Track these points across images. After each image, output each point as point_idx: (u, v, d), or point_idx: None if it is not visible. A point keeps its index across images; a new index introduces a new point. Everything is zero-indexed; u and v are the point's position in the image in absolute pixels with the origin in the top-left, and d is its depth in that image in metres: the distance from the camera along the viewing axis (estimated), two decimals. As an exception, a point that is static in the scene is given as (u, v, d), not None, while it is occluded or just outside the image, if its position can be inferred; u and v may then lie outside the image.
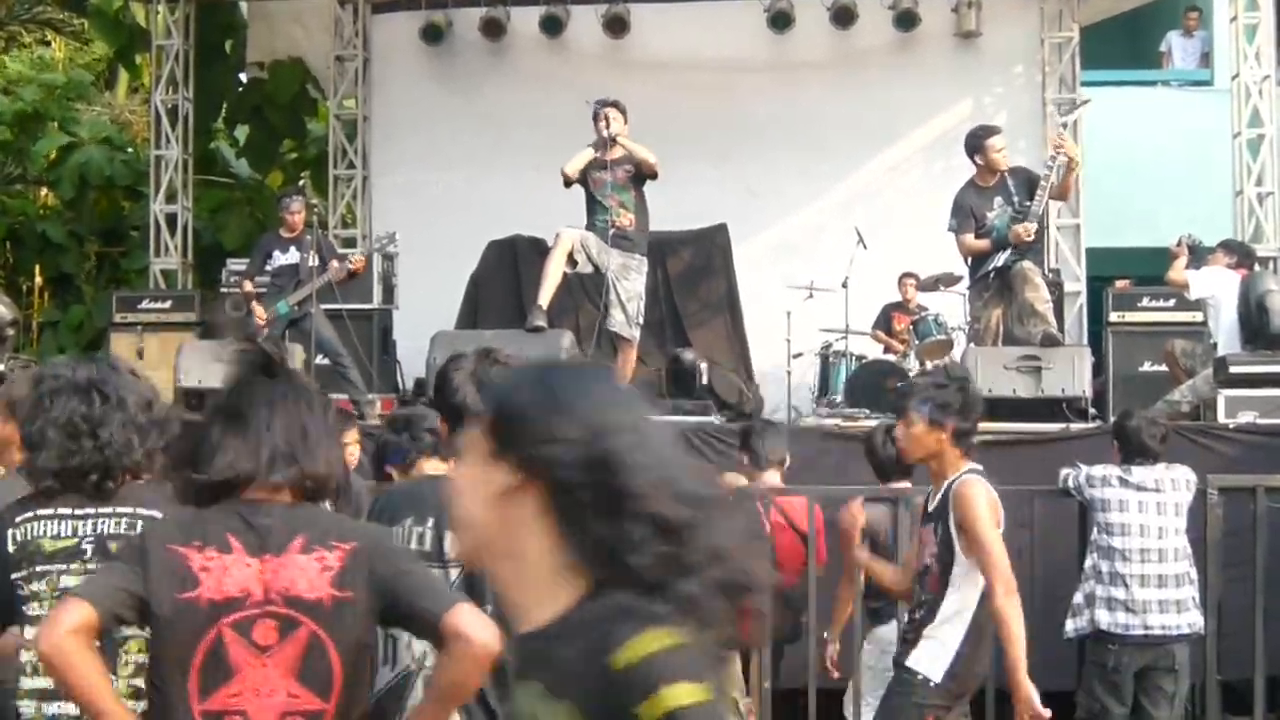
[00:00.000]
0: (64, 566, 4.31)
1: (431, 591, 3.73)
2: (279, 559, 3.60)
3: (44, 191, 21.89)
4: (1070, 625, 8.12)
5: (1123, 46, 21.62)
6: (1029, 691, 5.98)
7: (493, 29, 16.90)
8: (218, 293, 15.59)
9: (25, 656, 4.34)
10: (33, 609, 4.30)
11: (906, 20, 16.41)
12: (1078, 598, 8.10)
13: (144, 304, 15.63)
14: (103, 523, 4.36)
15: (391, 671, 4.49)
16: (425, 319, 13.55)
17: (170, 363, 12.31)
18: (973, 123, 14.33)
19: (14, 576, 4.33)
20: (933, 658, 6.15)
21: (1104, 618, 7.94)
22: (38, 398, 4.44)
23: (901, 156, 16.80)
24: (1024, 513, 8.52)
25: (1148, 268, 13.50)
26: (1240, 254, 12.72)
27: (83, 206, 20.44)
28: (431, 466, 5.49)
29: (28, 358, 12.79)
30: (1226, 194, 15.77)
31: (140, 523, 4.31)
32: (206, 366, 11.77)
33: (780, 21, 16.49)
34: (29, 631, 4.27)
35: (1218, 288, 12.02)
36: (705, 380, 13.15)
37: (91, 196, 20.34)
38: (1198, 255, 12.49)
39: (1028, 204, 11.78)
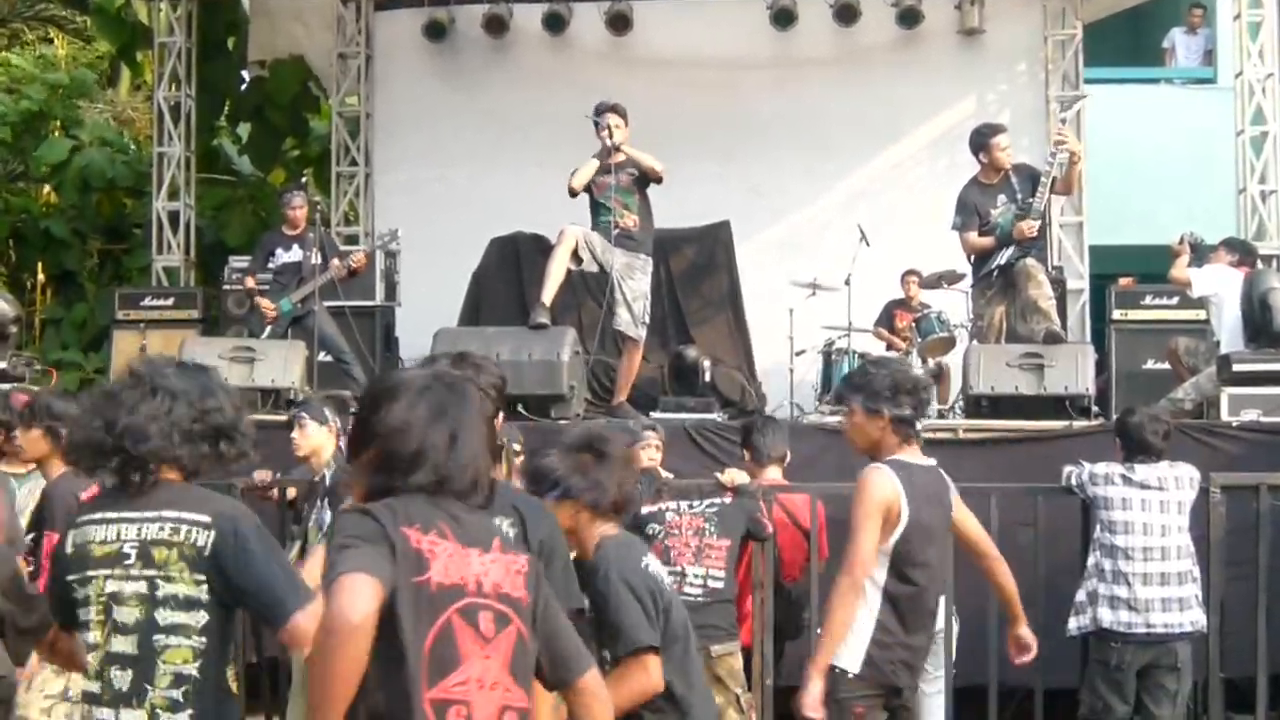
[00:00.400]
0: (108, 571, 4.29)
1: (574, 643, 3.79)
2: (487, 554, 3.61)
3: (46, 189, 21.90)
4: (1073, 623, 8.11)
5: (1125, 44, 21.61)
6: (816, 690, 5.86)
7: (495, 26, 16.91)
8: (220, 290, 15.60)
9: (89, 637, 4.33)
10: (84, 614, 4.32)
11: (909, 17, 16.41)
12: (1080, 596, 8.09)
13: (146, 301, 15.67)
14: (146, 527, 4.31)
15: None
16: (428, 316, 13.52)
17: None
18: (976, 120, 14.34)
19: (69, 579, 4.35)
20: (848, 649, 6.11)
21: (1107, 616, 7.93)
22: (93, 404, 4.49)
23: (905, 154, 16.80)
24: (1027, 511, 8.53)
25: (1151, 265, 13.50)
26: (1242, 252, 12.71)
27: (85, 207, 20.45)
28: None
29: (30, 355, 12.79)
30: (1229, 192, 15.75)
31: (185, 528, 4.27)
32: (209, 362, 11.72)
33: (783, 19, 16.49)
34: (83, 636, 4.32)
35: (1220, 286, 12.00)
36: (708, 378, 13.13)
37: (94, 199, 20.34)
38: (1199, 253, 12.47)
39: (1030, 201, 11.78)
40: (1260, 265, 12.85)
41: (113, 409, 4.36)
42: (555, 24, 16.81)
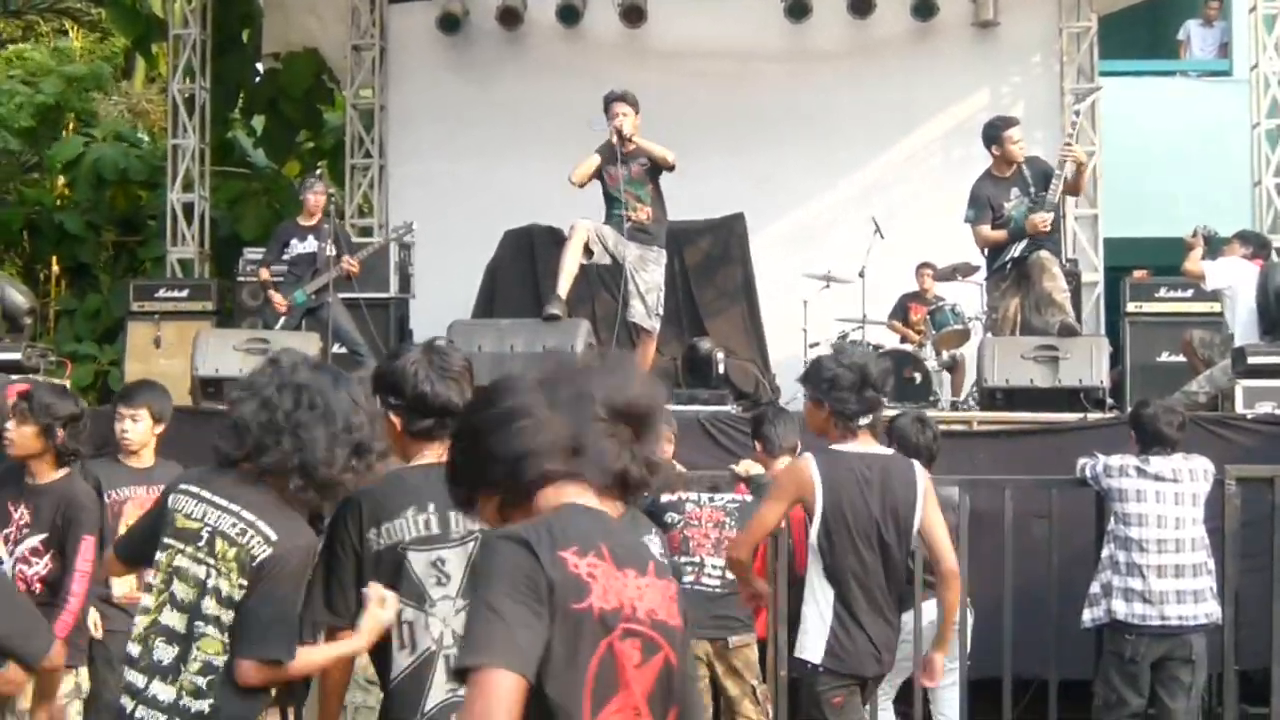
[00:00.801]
0: (182, 546, 4.57)
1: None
2: (643, 578, 3.28)
3: (61, 181, 21.93)
4: (1087, 615, 8.11)
5: (1141, 36, 21.56)
6: None
7: (510, 18, 16.91)
8: (235, 282, 15.62)
9: (145, 600, 4.61)
10: (148, 576, 4.65)
11: (924, 9, 16.38)
12: (1095, 588, 8.09)
13: (161, 293, 15.68)
14: (223, 518, 4.56)
15: (411, 655, 4.50)
16: (442, 308, 13.54)
17: (187, 351, 12.31)
18: (990, 112, 14.33)
19: (163, 537, 4.61)
20: (810, 642, 6.14)
21: (1121, 608, 7.94)
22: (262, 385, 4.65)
23: (918, 146, 16.77)
24: (1041, 503, 8.53)
25: (1165, 258, 13.48)
26: (1256, 244, 12.69)
27: (99, 204, 20.49)
28: None
29: (44, 346, 12.81)
30: (1245, 184, 15.72)
31: (250, 534, 4.54)
32: (223, 355, 11.79)
33: (797, 11, 16.46)
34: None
35: (1234, 278, 11.99)
36: (721, 370, 13.14)
37: (108, 194, 20.38)
38: (1213, 246, 12.46)
39: (1043, 194, 11.77)
40: (1275, 257, 12.83)
41: (274, 413, 4.56)
42: (569, 16, 16.80)
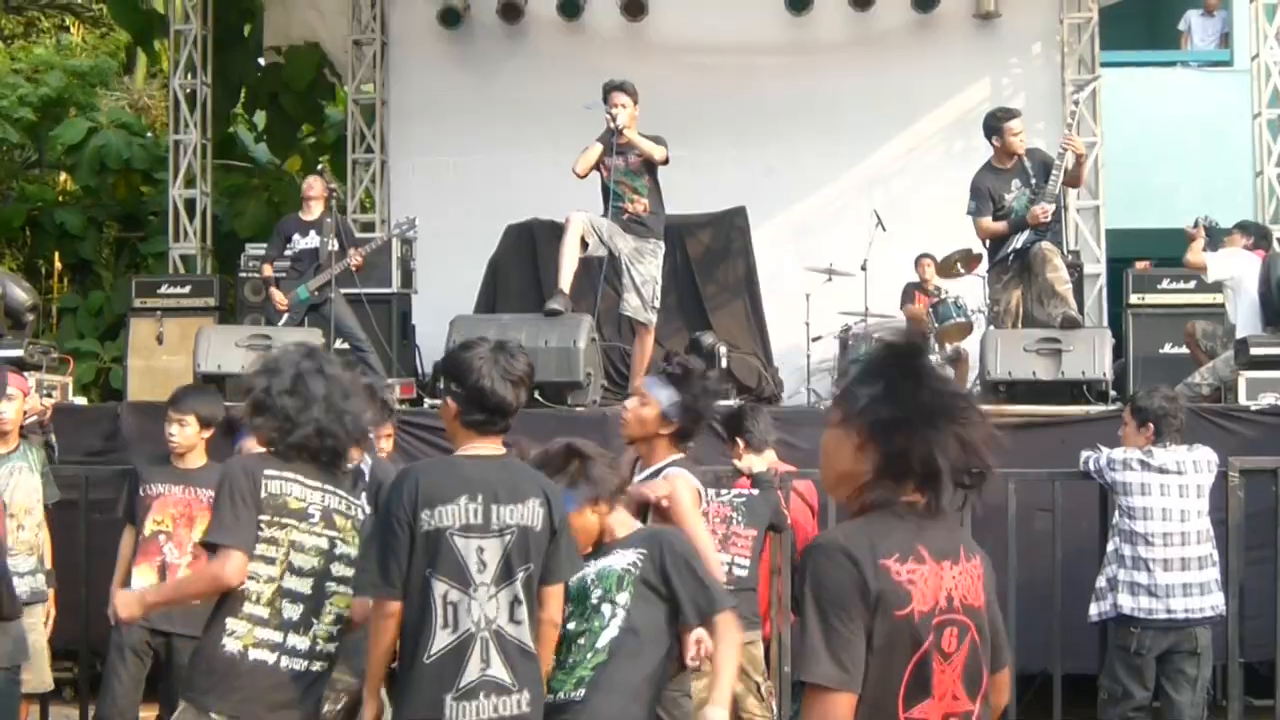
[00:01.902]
0: (296, 523, 5.22)
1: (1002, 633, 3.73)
2: (956, 566, 3.49)
3: (63, 177, 21.93)
4: (1093, 609, 8.11)
5: (1142, 26, 21.55)
6: None
7: (510, 12, 16.90)
8: (237, 278, 15.62)
9: (250, 586, 5.15)
10: (263, 549, 5.15)
11: (925, 1, 16.37)
12: (1100, 581, 8.09)
13: (163, 289, 15.68)
14: (329, 497, 5.31)
15: (453, 634, 4.88)
16: (444, 303, 13.55)
17: (189, 347, 12.30)
18: (991, 104, 14.32)
19: (260, 519, 5.16)
20: None
21: (1126, 601, 7.93)
22: (296, 375, 5.30)
23: (920, 138, 16.76)
24: (1045, 496, 8.54)
25: (1167, 249, 13.48)
26: (1257, 235, 12.70)
27: (102, 191, 20.48)
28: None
29: (47, 343, 12.81)
30: (1246, 174, 15.74)
31: (356, 507, 5.41)
32: (226, 351, 11.78)
33: (798, 3, 16.46)
34: (255, 566, 5.14)
35: (1236, 269, 11.99)
36: (724, 364, 13.14)
37: (110, 181, 20.37)
38: (1214, 237, 12.46)
39: (1044, 185, 11.76)
40: (1276, 248, 12.83)
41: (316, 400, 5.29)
42: (570, 9, 16.79)
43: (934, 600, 3.40)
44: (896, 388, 3.47)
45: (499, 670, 4.89)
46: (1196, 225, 12.32)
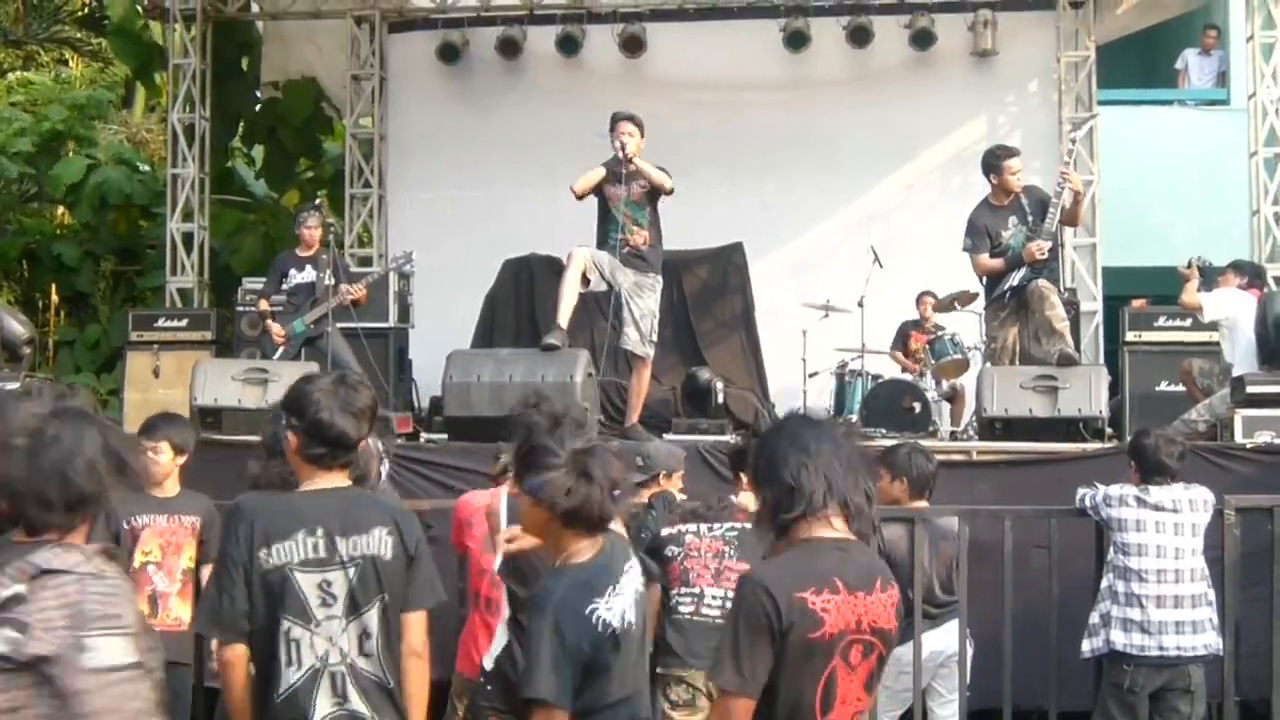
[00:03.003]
0: None
1: None
2: (870, 596, 4.26)
3: (60, 210, 21.94)
4: (1086, 645, 8.09)
5: (1139, 65, 21.60)
6: None
7: (509, 48, 16.96)
8: (234, 311, 15.62)
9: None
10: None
11: (923, 39, 16.44)
12: (1094, 618, 8.07)
13: (160, 322, 15.69)
14: None
15: (298, 671, 4.82)
16: (441, 337, 13.56)
17: (186, 381, 12.29)
18: (988, 141, 14.38)
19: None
20: None
21: (1120, 638, 7.92)
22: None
23: (917, 175, 16.81)
24: (1041, 533, 8.51)
25: (1164, 287, 13.48)
26: (1251, 274, 12.71)
27: (102, 228, 20.50)
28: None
29: (44, 376, 12.79)
30: (1243, 213, 15.77)
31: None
32: (222, 385, 11.77)
33: (796, 40, 16.52)
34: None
35: (1232, 309, 12.00)
36: (720, 399, 13.14)
37: (110, 218, 20.39)
38: (1208, 276, 12.47)
39: (1041, 223, 11.77)
40: (1272, 286, 12.84)
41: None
42: (569, 46, 16.86)
43: (845, 624, 4.18)
44: (766, 438, 4.45)
45: (357, 704, 4.81)
46: (1190, 265, 12.32)
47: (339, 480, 5.02)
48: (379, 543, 4.91)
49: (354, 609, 4.84)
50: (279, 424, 5.25)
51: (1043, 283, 11.73)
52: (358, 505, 5.01)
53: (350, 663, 4.82)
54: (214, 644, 5.14)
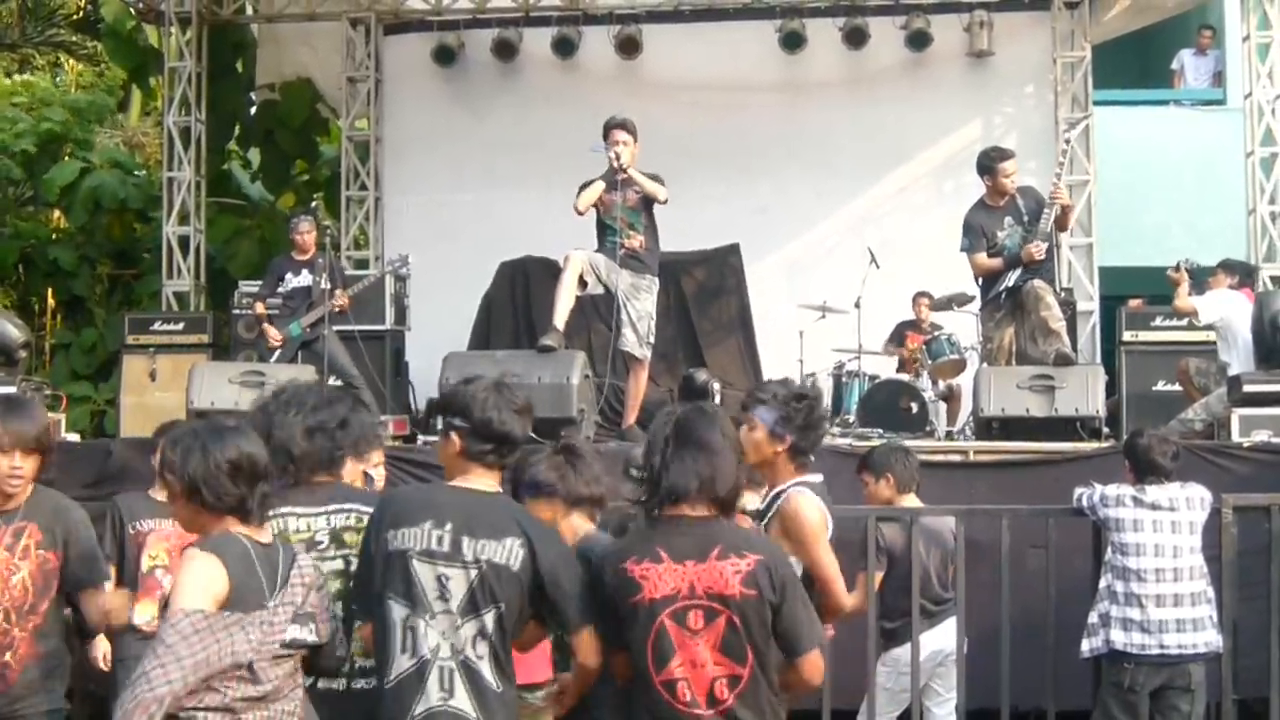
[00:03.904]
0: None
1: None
2: (700, 564, 4.84)
3: (56, 214, 21.93)
4: (1085, 645, 8.08)
5: (1135, 65, 21.61)
6: None
7: (505, 50, 16.96)
8: (230, 314, 15.61)
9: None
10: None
11: (918, 40, 16.44)
12: (1093, 617, 8.06)
13: (156, 326, 15.70)
14: (333, 518, 5.31)
15: (411, 659, 4.86)
16: (437, 340, 13.56)
17: (182, 384, 12.29)
18: (984, 142, 14.39)
19: None
20: None
21: (1119, 637, 7.91)
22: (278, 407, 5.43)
23: (913, 176, 16.81)
24: (1038, 533, 8.50)
25: (1161, 286, 13.47)
26: (1242, 273, 12.70)
27: (95, 231, 20.48)
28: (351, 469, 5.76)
29: (40, 380, 12.78)
30: (1239, 213, 15.75)
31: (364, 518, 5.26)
32: (219, 388, 11.77)
33: (792, 42, 16.52)
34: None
35: (1227, 311, 12.01)
36: (718, 400, 13.13)
37: (104, 222, 20.37)
38: (1197, 278, 12.47)
39: (1036, 224, 11.78)
40: (1265, 285, 12.83)
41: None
42: (564, 48, 16.85)
43: (672, 589, 4.81)
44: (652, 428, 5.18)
45: (463, 702, 4.83)
46: (1178, 268, 12.31)
47: (491, 482, 5.10)
48: (508, 552, 4.91)
49: (473, 609, 4.87)
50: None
51: (1038, 283, 11.74)
52: (500, 511, 5.05)
53: (464, 660, 4.86)
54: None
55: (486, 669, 4.88)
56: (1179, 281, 12.23)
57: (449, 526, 4.90)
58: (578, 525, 5.68)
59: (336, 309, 12.82)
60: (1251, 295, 12.31)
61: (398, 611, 4.85)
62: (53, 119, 21.55)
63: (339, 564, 5.25)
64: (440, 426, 5.13)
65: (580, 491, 5.75)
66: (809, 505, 5.75)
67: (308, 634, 4.76)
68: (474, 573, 4.87)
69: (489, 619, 4.87)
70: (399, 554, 4.86)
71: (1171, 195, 18.93)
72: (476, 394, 5.07)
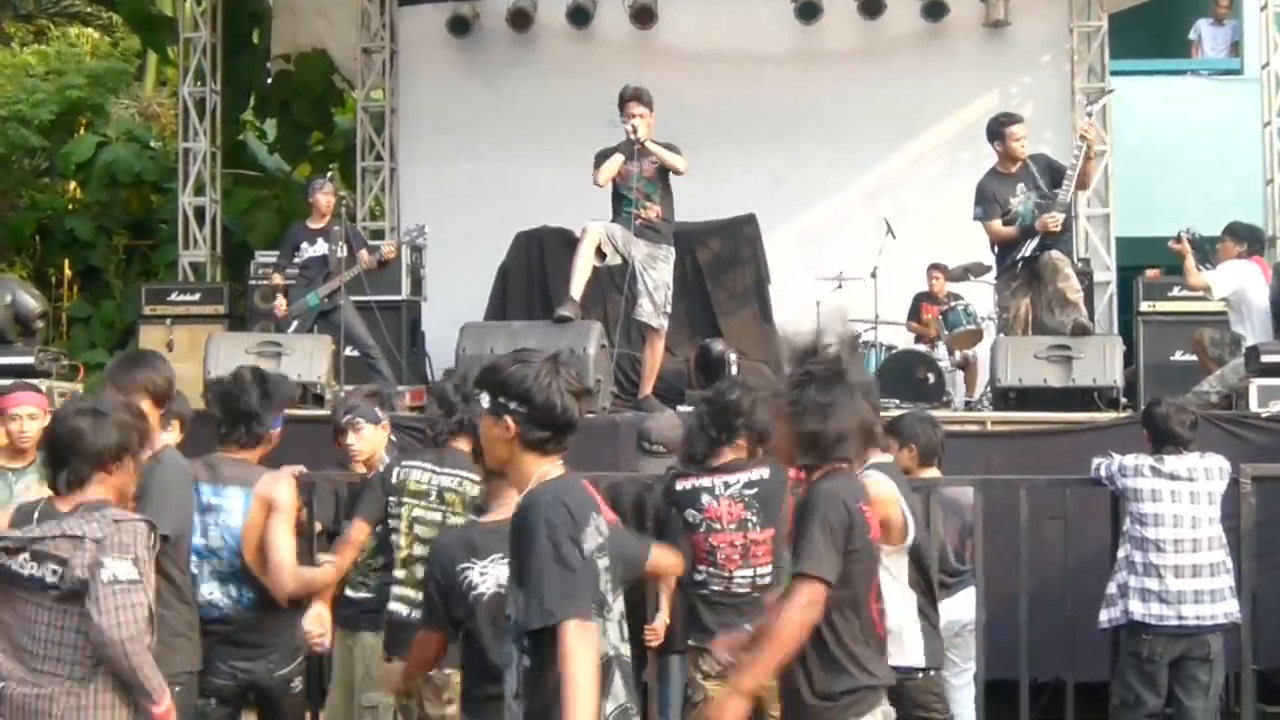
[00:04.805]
0: (416, 502, 6.89)
1: None
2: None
3: (72, 185, 21.94)
4: (1104, 615, 8.09)
5: (1151, 35, 21.51)
6: None
7: (520, 20, 16.92)
8: (246, 285, 15.63)
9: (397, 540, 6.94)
10: (392, 524, 6.91)
11: (935, 10, 16.38)
12: (1111, 588, 8.07)
13: (173, 296, 15.77)
14: (441, 478, 6.91)
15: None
16: (453, 310, 13.56)
17: (199, 355, 12.30)
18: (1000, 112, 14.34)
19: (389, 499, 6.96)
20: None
21: (1138, 608, 7.91)
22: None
23: (929, 146, 16.77)
24: (1055, 503, 8.49)
25: (1177, 257, 13.45)
26: (1249, 238, 12.42)
27: (113, 205, 20.50)
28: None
29: (57, 350, 12.80)
30: (1256, 182, 15.71)
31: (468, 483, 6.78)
32: (235, 358, 11.76)
33: (808, 11, 16.48)
34: (394, 538, 6.95)
35: (1239, 283, 11.90)
36: (734, 371, 13.11)
37: (122, 196, 20.39)
38: (1200, 247, 12.38)
39: (1056, 191, 11.74)
40: (1276, 251, 12.72)
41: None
42: (580, 17, 16.81)
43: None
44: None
45: (631, 695, 4.65)
46: (1180, 239, 12.22)
47: (556, 467, 4.72)
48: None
49: (615, 596, 4.69)
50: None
51: (1056, 254, 11.71)
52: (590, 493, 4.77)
53: (620, 650, 4.65)
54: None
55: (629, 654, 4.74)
56: (1182, 253, 12.16)
57: (602, 519, 4.65)
58: None
59: (382, 262, 12.82)
60: (1262, 262, 12.24)
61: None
62: (73, 85, 21.57)
63: (438, 516, 6.76)
64: (488, 407, 4.73)
65: None
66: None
67: None
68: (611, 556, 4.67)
69: (621, 601, 4.75)
70: (590, 556, 4.52)
71: (1189, 165, 18.87)
72: (539, 376, 4.65)
